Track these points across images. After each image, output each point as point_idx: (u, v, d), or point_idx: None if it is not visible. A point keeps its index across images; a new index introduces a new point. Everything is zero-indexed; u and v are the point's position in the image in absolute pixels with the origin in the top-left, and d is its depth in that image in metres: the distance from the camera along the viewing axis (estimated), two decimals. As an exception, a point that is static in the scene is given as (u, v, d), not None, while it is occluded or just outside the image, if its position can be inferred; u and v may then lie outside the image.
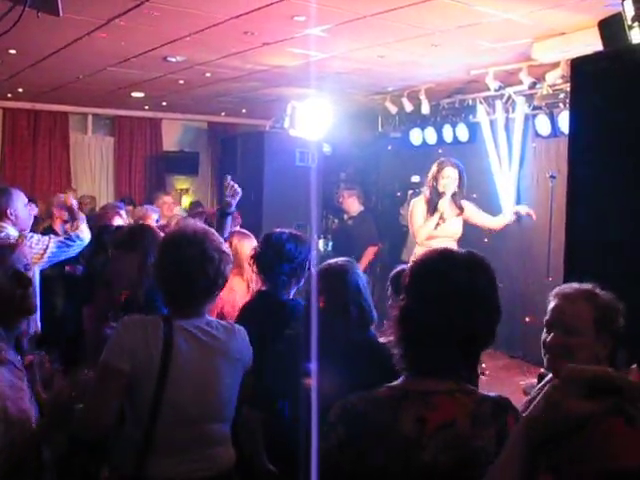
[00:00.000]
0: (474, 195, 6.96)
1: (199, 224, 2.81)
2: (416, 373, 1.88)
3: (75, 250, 4.98)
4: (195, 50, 6.73)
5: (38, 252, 4.66)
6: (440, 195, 6.19)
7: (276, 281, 3.54)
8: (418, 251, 6.31)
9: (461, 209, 6.32)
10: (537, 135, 7.88)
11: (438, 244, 6.11)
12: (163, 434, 2.40)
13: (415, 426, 1.79)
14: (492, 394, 1.88)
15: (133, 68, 7.68)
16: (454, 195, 6.24)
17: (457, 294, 1.83)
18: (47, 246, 4.73)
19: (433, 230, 6.21)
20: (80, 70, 7.92)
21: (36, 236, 4.84)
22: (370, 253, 8.55)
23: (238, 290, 4.22)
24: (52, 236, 4.97)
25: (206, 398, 2.48)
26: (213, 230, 2.71)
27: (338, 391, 2.06)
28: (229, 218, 3.72)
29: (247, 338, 2.67)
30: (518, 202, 8.29)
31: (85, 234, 5.00)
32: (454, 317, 1.82)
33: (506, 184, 8.35)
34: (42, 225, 7.45)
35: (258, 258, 3.62)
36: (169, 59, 7.13)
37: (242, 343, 2.64)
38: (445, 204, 6.20)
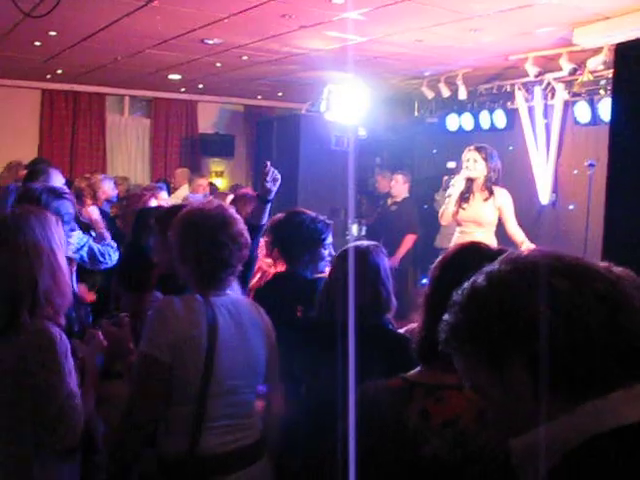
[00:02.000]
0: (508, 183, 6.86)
1: (216, 202, 2.82)
2: (430, 364, 1.88)
3: (99, 267, 4.71)
4: (232, 33, 6.73)
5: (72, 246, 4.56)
6: (467, 180, 6.10)
7: (297, 261, 3.53)
8: (455, 238, 6.26)
9: (491, 194, 6.08)
10: (576, 122, 7.78)
11: (466, 229, 6.07)
12: (212, 409, 2.44)
13: (419, 419, 1.79)
14: None
15: (171, 50, 7.70)
16: (484, 179, 6.10)
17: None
18: (82, 246, 4.59)
19: (456, 214, 6.12)
20: (118, 52, 7.97)
21: (78, 232, 4.68)
22: (409, 241, 8.42)
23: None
24: (90, 240, 4.77)
25: (247, 370, 2.55)
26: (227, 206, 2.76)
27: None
28: (269, 205, 3.69)
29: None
30: (555, 190, 8.20)
31: (113, 257, 4.79)
32: None
33: (543, 172, 8.26)
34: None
35: (279, 238, 3.62)
36: (206, 41, 7.14)
37: (266, 318, 2.71)
38: (458, 187, 6.07)
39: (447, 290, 1.86)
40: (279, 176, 3.67)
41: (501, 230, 6.08)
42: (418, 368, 1.90)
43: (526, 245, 5.68)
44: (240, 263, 2.62)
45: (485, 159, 5.99)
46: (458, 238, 6.13)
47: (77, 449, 2.43)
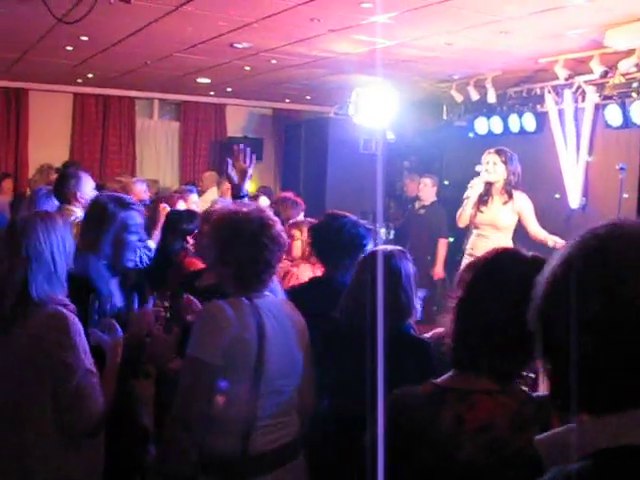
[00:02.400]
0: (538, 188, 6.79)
1: (252, 204, 2.84)
2: (461, 369, 1.87)
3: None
4: (261, 37, 6.76)
5: None
6: (486, 183, 6.06)
7: (336, 265, 3.52)
8: (472, 240, 6.23)
9: (510, 197, 6.02)
10: (607, 126, 7.69)
11: (483, 232, 6.03)
12: (261, 408, 2.48)
13: (453, 425, 1.78)
14: (540, 394, 1.85)
15: (200, 54, 7.75)
16: (503, 183, 6.05)
17: (515, 294, 1.80)
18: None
19: (474, 217, 6.08)
20: (148, 56, 8.04)
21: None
22: (443, 246, 8.27)
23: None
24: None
25: (290, 370, 2.60)
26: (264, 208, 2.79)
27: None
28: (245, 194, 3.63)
29: None
30: (585, 194, 8.12)
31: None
32: (508, 317, 1.78)
33: (573, 176, 8.17)
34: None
35: (318, 242, 3.61)
36: (235, 45, 7.17)
37: (302, 318, 2.75)
38: (477, 190, 6.02)
39: (480, 295, 1.86)
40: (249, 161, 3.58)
41: (520, 234, 6.02)
42: (449, 373, 1.89)
43: (551, 239, 5.63)
44: (279, 263, 2.67)
45: (505, 162, 5.95)
46: (475, 241, 6.13)
47: (97, 434, 2.48)
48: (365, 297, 2.73)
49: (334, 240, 3.51)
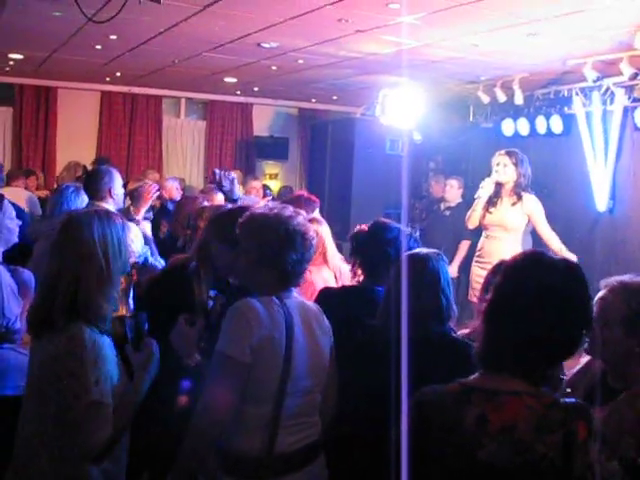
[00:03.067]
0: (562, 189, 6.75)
1: (282, 205, 2.84)
2: (489, 370, 1.88)
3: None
4: (289, 37, 6.78)
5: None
6: (496, 184, 6.05)
7: (378, 276, 3.39)
8: (481, 242, 6.23)
9: (519, 199, 5.99)
10: (636, 128, 7.63)
11: (492, 233, 6.03)
12: (287, 408, 2.49)
13: (477, 424, 1.79)
14: (568, 399, 1.85)
15: (227, 54, 7.79)
16: (513, 184, 6.04)
17: (546, 299, 1.81)
18: (139, 255, 4.59)
19: (483, 218, 6.08)
20: (176, 55, 8.09)
21: (140, 240, 4.73)
22: (464, 248, 8.18)
23: (329, 279, 4.19)
24: (148, 252, 4.79)
25: (317, 369, 2.61)
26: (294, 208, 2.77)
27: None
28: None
29: None
30: (613, 197, 8.05)
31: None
32: (537, 321, 1.80)
33: (601, 179, 8.11)
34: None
35: (364, 251, 3.52)
36: (263, 45, 7.20)
37: (325, 318, 2.75)
38: (487, 191, 6.01)
39: (511, 299, 1.86)
40: (233, 174, 3.60)
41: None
42: (476, 374, 1.90)
43: (565, 253, 5.54)
44: (309, 262, 2.68)
45: (515, 164, 5.96)
46: (484, 242, 6.14)
47: (103, 456, 2.42)
48: (404, 301, 2.71)
49: (381, 252, 3.41)
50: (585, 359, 2.61)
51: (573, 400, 1.85)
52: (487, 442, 1.76)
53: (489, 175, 6.11)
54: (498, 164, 6.00)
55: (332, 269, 4.27)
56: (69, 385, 2.31)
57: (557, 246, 5.82)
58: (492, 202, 6.03)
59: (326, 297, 3.51)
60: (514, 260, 1.95)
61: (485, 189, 6.02)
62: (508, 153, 6.02)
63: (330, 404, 2.76)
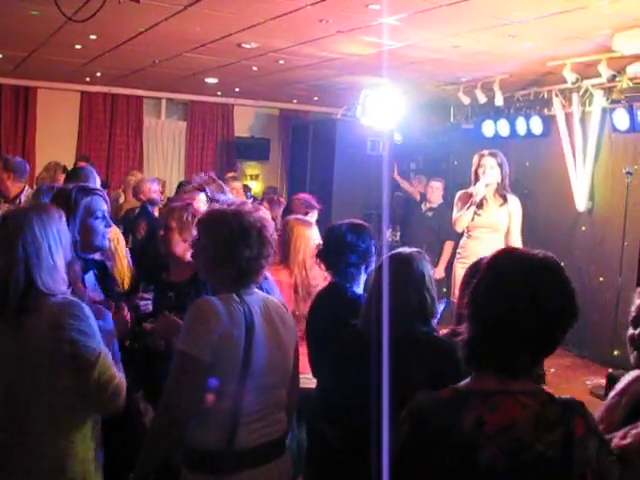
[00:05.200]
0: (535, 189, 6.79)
1: (239, 201, 2.85)
2: (481, 372, 1.86)
3: None
4: (269, 37, 6.77)
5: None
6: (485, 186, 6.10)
7: (344, 274, 3.52)
8: (464, 242, 6.27)
9: (505, 200, 6.13)
10: (614, 129, 7.68)
11: (478, 234, 6.08)
12: (248, 404, 2.49)
13: (474, 427, 1.77)
14: (563, 396, 1.84)
15: (208, 54, 7.77)
16: (497, 185, 6.10)
17: (528, 294, 1.80)
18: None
19: (471, 220, 6.12)
20: (156, 55, 8.06)
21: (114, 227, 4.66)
22: (449, 248, 8.26)
23: (283, 281, 4.05)
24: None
25: (280, 366, 2.61)
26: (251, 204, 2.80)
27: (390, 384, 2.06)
28: None
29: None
30: (591, 198, 8.11)
31: None
32: (523, 317, 1.79)
33: (580, 179, 8.17)
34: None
35: (322, 253, 3.61)
36: (243, 46, 7.19)
37: (289, 314, 2.77)
38: (479, 193, 6.07)
39: (491, 297, 1.86)
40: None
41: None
42: (469, 378, 1.89)
43: None
44: (268, 259, 2.66)
45: (500, 165, 6.02)
46: (467, 242, 6.21)
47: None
48: (389, 302, 2.73)
49: (335, 250, 3.50)
50: None
51: (568, 397, 1.84)
52: (486, 444, 1.74)
53: (472, 176, 6.16)
54: (483, 166, 6.04)
55: (296, 272, 4.15)
56: (83, 343, 2.39)
57: (514, 241, 5.93)
58: (479, 204, 6.07)
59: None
60: (493, 258, 1.95)
61: (480, 194, 6.06)
62: (492, 154, 6.06)
63: (294, 400, 2.79)
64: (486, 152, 6.15)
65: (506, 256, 1.94)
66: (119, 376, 2.48)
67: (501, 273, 1.88)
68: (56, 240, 2.53)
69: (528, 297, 1.79)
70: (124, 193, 8.85)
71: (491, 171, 6.00)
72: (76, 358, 2.39)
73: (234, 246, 2.55)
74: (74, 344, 2.38)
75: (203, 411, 2.47)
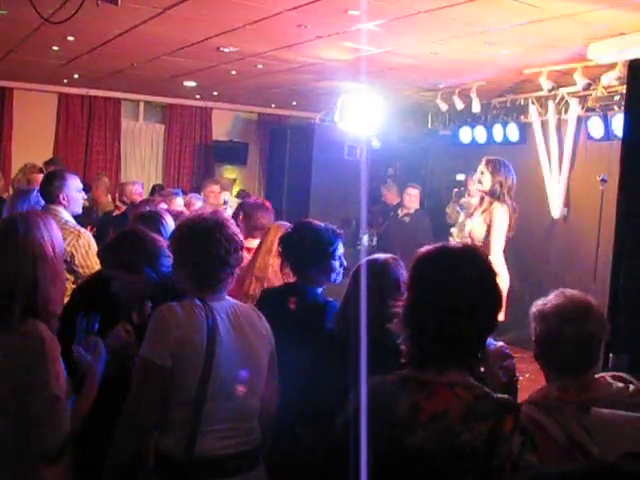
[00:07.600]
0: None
1: (208, 207, 2.88)
2: (420, 365, 1.94)
3: None
4: (248, 41, 6.77)
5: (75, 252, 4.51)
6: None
7: (305, 274, 3.46)
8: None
9: (488, 207, 5.88)
10: (589, 137, 7.77)
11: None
12: (210, 413, 2.46)
13: (410, 411, 1.87)
14: (503, 395, 1.92)
15: (186, 57, 7.76)
16: (485, 192, 6.06)
17: (453, 286, 1.89)
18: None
19: (460, 231, 6.12)
20: (135, 58, 8.03)
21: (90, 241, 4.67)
22: None
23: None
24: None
25: (249, 374, 2.56)
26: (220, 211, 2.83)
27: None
28: None
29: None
30: (567, 204, 8.19)
31: None
32: (452, 308, 1.87)
33: (556, 186, 8.25)
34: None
35: (286, 249, 3.56)
36: (222, 49, 7.19)
37: (264, 322, 2.72)
38: (475, 201, 6.08)
39: (424, 293, 1.92)
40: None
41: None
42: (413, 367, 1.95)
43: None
44: (237, 265, 2.65)
45: (492, 172, 5.91)
46: None
47: (60, 456, 2.39)
48: (366, 307, 2.70)
49: (301, 248, 3.46)
50: None
51: (506, 396, 1.92)
52: (418, 429, 1.83)
53: (447, 181, 6.19)
54: (478, 173, 6.00)
55: (261, 254, 4.12)
56: (29, 380, 2.30)
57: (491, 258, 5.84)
58: (470, 213, 6.05)
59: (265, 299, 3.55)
60: (417, 257, 2.00)
61: (474, 201, 6.06)
62: (486, 161, 5.98)
63: (270, 411, 2.71)
64: (484, 159, 6.05)
65: (426, 253, 2.01)
66: (56, 425, 2.35)
67: (423, 270, 1.98)
68: (59, 249, 2.53)
69: (451, 288, 1.87)
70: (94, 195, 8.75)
71: (482, 177, 5.89)
72: (18, 393, 2.32)
73: (194, 254, 2.56)
74: (19, 379, 2.30)
75: (166, 415, 2.46)
